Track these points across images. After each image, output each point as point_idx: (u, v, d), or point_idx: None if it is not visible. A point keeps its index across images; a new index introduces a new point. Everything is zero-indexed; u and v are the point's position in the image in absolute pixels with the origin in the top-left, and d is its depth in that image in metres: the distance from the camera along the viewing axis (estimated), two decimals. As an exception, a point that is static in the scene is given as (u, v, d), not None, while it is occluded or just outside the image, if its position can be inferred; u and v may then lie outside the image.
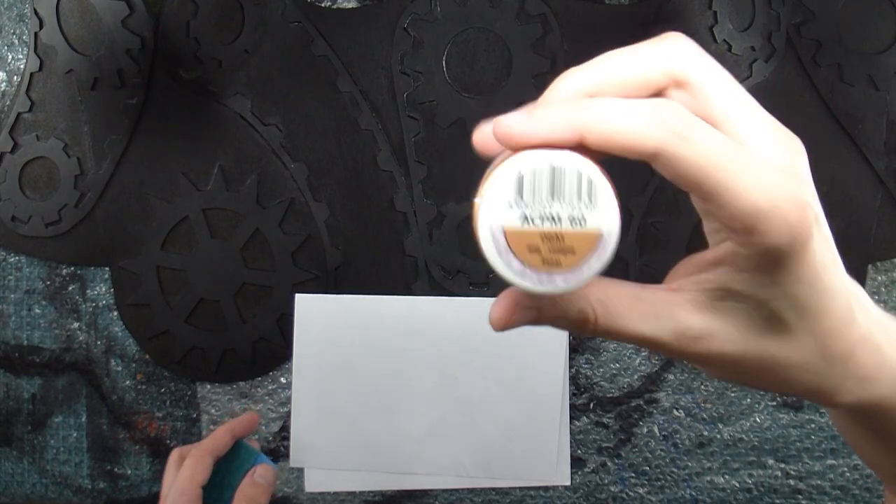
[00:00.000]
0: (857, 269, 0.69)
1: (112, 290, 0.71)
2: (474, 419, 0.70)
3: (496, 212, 0.29)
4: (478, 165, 0.72)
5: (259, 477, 0.61)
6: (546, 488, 0.70)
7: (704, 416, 0.71)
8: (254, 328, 0.70)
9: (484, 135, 0.31)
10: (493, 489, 0.71)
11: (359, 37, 0.69)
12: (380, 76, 0.69)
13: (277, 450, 0.71)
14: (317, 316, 0.70)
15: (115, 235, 0.70)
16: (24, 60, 0.70)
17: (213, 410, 0.72)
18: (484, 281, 0.70)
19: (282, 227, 0.70)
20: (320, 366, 0.70)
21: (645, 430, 0.70)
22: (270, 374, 0.71)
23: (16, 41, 0.71)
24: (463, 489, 0.71)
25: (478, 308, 0.70)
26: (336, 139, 0.70)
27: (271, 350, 0.70)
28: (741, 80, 0.68)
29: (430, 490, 0.71)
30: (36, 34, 0.69)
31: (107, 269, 0.71)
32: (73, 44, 0.69)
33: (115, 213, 0.70)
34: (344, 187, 0.70)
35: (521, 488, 0.70)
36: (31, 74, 0.69)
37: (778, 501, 0.70)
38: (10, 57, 0.71)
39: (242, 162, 0.70)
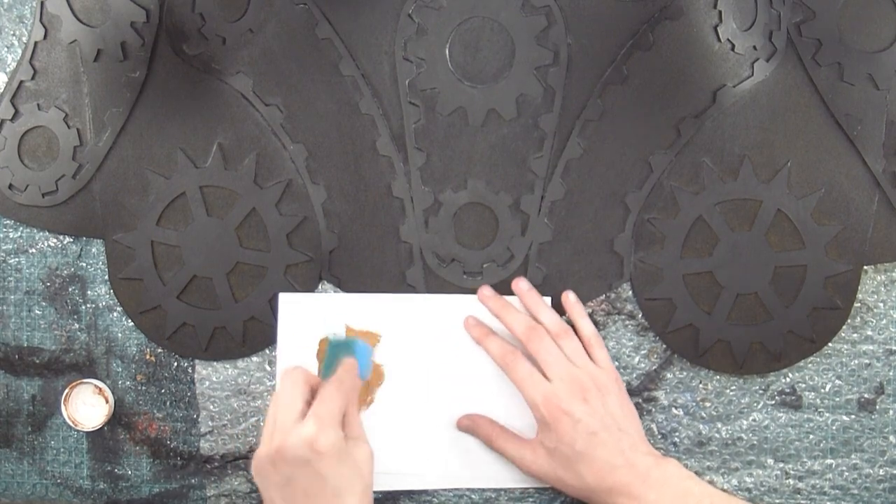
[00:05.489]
0: (852, 271, 0.69)
1: (112, 291, 0.71)
2: (466, 408, 0.70)
3: None
4: (476, 155, 0.73)
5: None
6: (543, 491, 0.70)
7: (703, 414, 0.71)
8: (246, 308, 0.70)
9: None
10: (492, 487, 0.71)
11: (363, 21, 0.69)
12: (382, 62, 0.69)
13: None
14: (301, 316, 0.70)
15: (111, 208, 0.70)
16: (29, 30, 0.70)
17: (211, 407, 0.72)
18: (478, 270, 0.70)
19: (278, 208, 0.70)
20: (305, 366, 0.69)
21: (643, 428, 0.70)
22: (270, 370, 0.71)
23: (15, 42, 0.71)
24: (459, 487, 0.71)
25: (467, 306, 0.70)
26: (336, 123, 0.70)
27: (262, 330, 0.70)
28: (743, 80, 0.68)
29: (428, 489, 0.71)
30: (42, 3, 0.69)
31: (106, 270, 0.71)
32: (78, 14, 0.69)
33: (112, 186, 0.70)
34: (342, 171, 0.70)
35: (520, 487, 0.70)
36: (36, 43, 0.70)
37: (777, 501, 0.70)
38: (9, 59, 0.71)
39: (242, 141, 0.70)
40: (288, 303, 0.70)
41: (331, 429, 0.58)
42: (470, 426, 0.69)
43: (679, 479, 0.63)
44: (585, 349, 0.67)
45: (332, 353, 0.64)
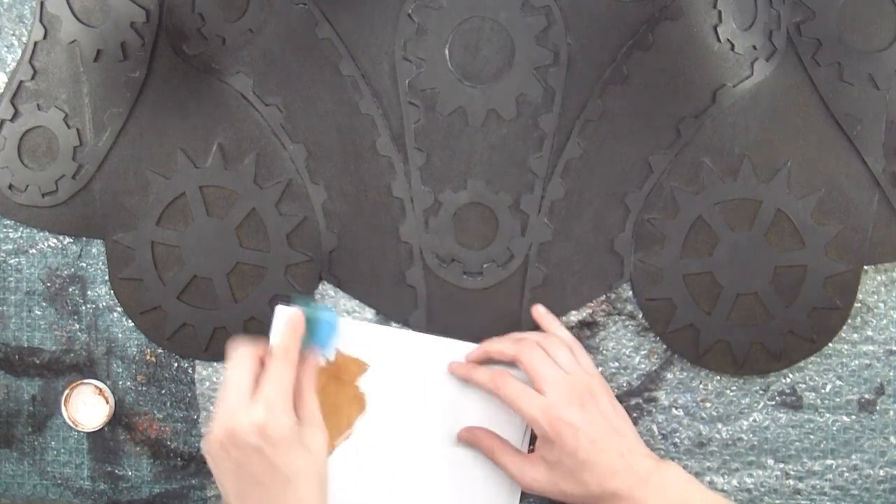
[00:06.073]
0: (852, 271, 0.69)
1: (112, 291, 0.71)
2: (440, 452, 0.70)
3: None
4: (476, 155, 0.73)
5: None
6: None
7: (703, 415, 0.70)
8: (245, 308, 0.70)
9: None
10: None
11: (363, 21, 0.69)
12: (382, 62, 0.69)
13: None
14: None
15: (111, 208, 0.70)
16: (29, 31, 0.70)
17: (211, 407, 0.72)
18: (478, 270, 0.70)
19: (278, 208, 0.70)
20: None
21: (644, 428, 0.70)
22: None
23: (15, 42, 0.71)
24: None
25: (461, 351, 0.69)
26: (336, 123, 0.70)
27: (262, 330, 0.70)
28: (743, 80, 0.68)
29: None
30: (42, 3, 0.69)
31: (106, 270, 0.71)
32: (77, 14, 0.69)
33: (112, 186, 0.70)
34: (342, 171, 0.70)
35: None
36: (36, 43, 0.70)
37: (777, 502, 0.70)
38: (9, 59, 0.71)
39: (242, 141, 0.70)
40: (283, 315, 0.69)
41: (282, 413, 0.57)
42: (470, 438, 0.69)
43: (680, 483, 0.63)
44: None
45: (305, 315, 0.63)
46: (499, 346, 0.67)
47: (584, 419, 0.63)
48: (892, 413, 0.70)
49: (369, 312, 0.71)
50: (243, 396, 0.58)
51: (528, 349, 0.65)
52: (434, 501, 0.69)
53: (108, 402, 0.71)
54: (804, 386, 0.70)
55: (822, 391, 0.70)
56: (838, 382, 0.70)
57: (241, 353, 0.60)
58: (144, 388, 0.72)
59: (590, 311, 0.70)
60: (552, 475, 0.64)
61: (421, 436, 0.69)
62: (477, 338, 0.69)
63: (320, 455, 0.59)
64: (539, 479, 0.65)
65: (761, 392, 0.70)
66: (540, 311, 0.69)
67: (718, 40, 0.68)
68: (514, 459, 0.67)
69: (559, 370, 0.64)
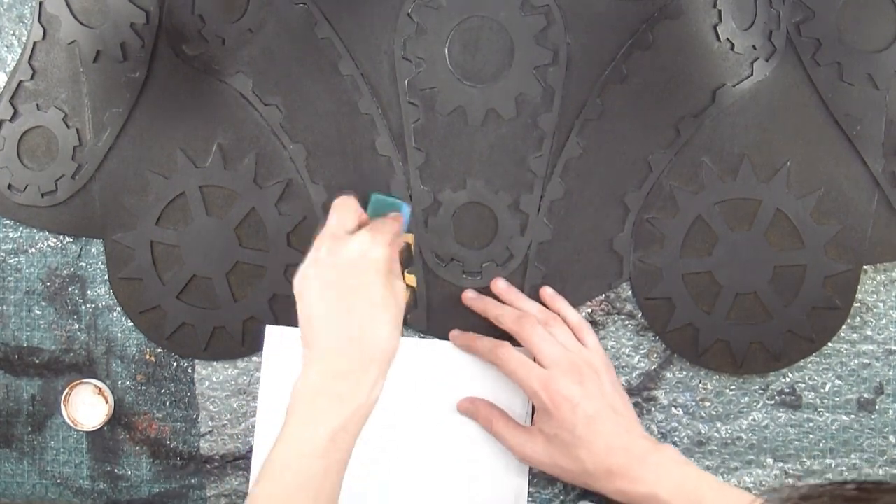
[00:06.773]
0: (851, 271, 0.69)
1: (111, 291, 0.71)
2: (439, 459, 0.69)
3: None
4: (476, 155, 0.73)
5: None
6: (543, 488, 0.70)
7: (703, 414, 0.71)
8: (245, 307, 0.70)
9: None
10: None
11: (362, 21, 0.69)
12: (382, 61, 0.69)
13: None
14: (288, 350, 0.69)
15: (111, 208, 0.70)
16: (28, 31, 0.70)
17: (210, 407, 0.72)
18: (477, 270, 0.70)
19: (278, 208, 0.70)
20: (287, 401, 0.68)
21: (643, 427, 0.69)
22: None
23: (14, 42, 0.71)
24: None
25: (457, 353, 0.70)
26: (336, 122, 0.70)
27: (262, 330, 0.70)
28: (743, 79, 0.68)
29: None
30: (41, 3, 0.69)
31: (106, 270, 0.71)
32: (77, 14, 0.69)
33: (111, 186, 0.70)
34: (342, 170, 0.70)
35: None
36: (35, 43, 0.70)
37: (777, 500, 0.70)
38: (9, 59, 0.71)
39: (241, 141, 0.70)
40: (275, 335, 0.69)
41: (383, 245, 0.59)
42: (470, 409, 0.69)
43: (676, 463, 0.63)
44: (575, 335, 0.68)
45: (376, 208, 0.65)
46: (500, 312, 0.67)
47: (583, 394, 0.63)
48: (891, 412, 0.70)
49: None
50: (347, 230, 0.60)
51: (530, 325, 0.65)
52: (442, 495, 0.69)
53: (107, 402, 0.71)
54: (803, 385, 0.70)
55: (822, 390, 0.70)
56: (837, 382, 0.70)
57: (346, 199, 0.62)
58: (144, 388, 0.72)
59: (589, 310, 0.70)
60: (549, 449, 0.65)
61: (424, 435, 0.70)
62: (476, 337, 0.69)
63: (401, 299, 0.60)
64: (537, 452, 0.65)
65: (760, 391, 0.70)
66: (548, 293, 0.69)
67: (718, 40, 0.68)
68: (512, 430, 0.67)
69: (558, 346, 0.65)
